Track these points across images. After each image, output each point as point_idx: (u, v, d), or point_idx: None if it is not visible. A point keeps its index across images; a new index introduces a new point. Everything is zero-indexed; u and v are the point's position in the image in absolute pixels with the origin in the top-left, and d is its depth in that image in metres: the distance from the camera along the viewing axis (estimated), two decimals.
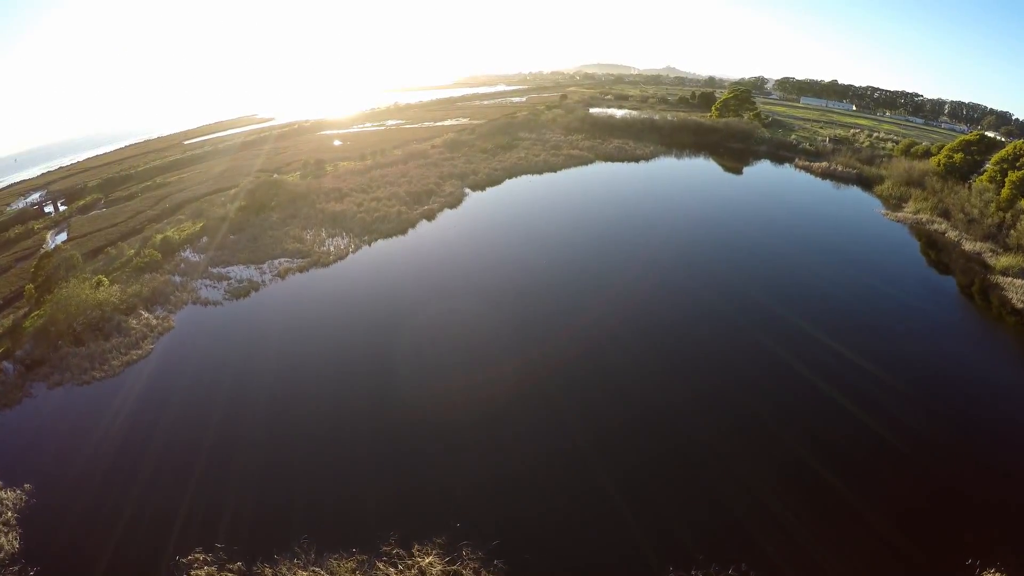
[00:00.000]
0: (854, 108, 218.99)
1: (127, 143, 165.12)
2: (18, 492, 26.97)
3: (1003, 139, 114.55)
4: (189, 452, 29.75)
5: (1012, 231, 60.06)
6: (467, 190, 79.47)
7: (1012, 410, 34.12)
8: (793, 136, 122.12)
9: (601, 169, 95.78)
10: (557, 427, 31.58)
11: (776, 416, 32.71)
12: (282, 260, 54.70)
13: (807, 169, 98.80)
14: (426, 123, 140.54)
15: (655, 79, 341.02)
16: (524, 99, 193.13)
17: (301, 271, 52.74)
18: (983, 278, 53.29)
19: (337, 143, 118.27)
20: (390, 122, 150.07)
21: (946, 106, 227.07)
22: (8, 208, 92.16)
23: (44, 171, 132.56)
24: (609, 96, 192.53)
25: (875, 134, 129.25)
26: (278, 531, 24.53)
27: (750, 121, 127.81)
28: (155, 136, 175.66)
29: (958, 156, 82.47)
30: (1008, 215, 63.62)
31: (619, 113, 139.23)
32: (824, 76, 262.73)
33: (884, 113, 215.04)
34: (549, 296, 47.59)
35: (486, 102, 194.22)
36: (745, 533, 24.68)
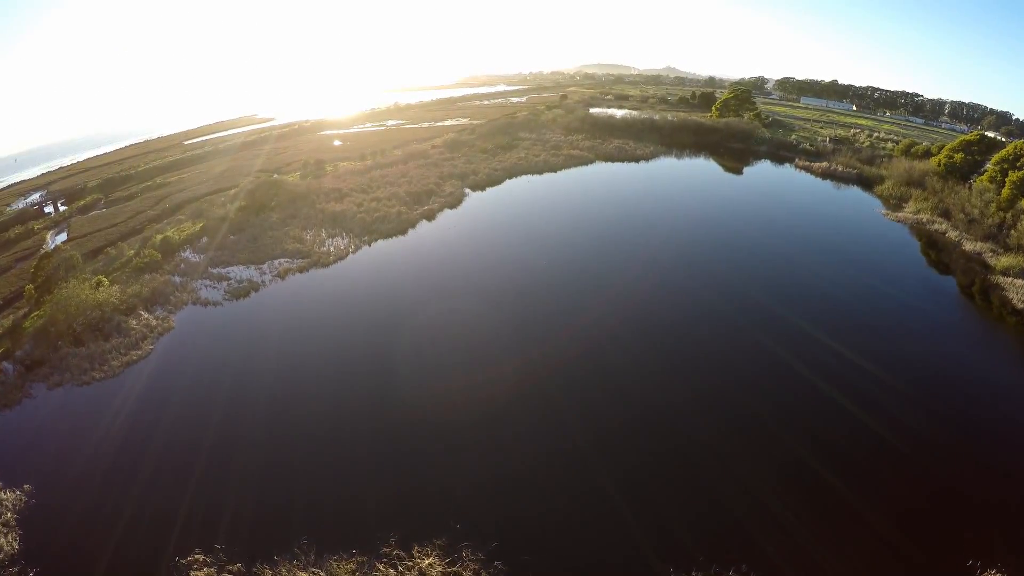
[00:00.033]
0: (854, 108, 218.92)
1: (127, 143, 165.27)
2: (18, 493, 26.96)
3: (1003, 139, 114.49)
4: (189, 452, 29.75)
5: (1012, 231, 60.02)
6: (467, 190, 79.46)
7: (1012, 410, 34.09)
8: (793, 136, 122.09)
9: (601, 169, 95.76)
10: (557, 427, 31.57)
11: (776, 416, 32.69)
12: (282, 260, 54.70)
13: (807, 169, 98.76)
14: (426, 123, 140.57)
15: (655, 79, 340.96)
16: (524, 99, 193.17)
17: (301, 271, 52.74)
18: (983, 278, 53.25)
19: (337, 143, 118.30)
20: (390, 122, 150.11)
21: (946, 106, 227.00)
22: (8, 208, 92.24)
23: (44, 171, 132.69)
24: (609, 96, 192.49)
25: (875, 134, 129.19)
26: (278, 532, 24.52)
27: (750, 121, 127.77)
28: (155, 136, 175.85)
29: (958, 156, 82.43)
30: (1008, 215, 63.58)
31: (619, 113, 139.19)
32: (824, 76, 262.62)
33: (884, 113, 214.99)
34: (549, 296, 47.57)
35: (486, 102, 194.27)
36: (745, 533, 24.67)
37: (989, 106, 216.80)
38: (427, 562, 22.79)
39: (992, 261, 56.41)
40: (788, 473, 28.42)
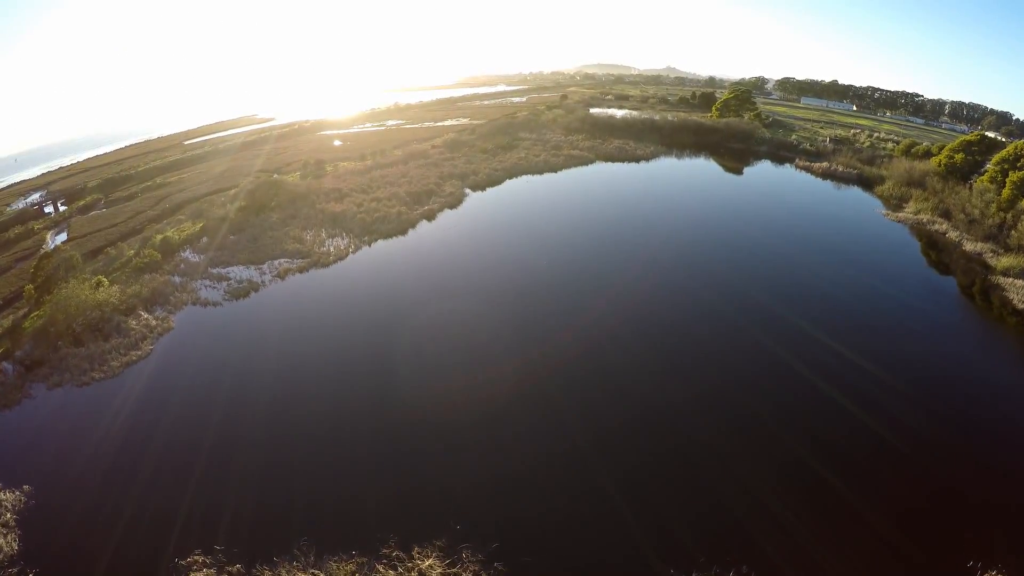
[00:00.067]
0: (854, 108, 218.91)
1: (127, 143, 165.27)
2: (17, 493, 26.94)
3: (1003, 139, 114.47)
4: (188, 453, 29.72)
5: (1013, 232, 59.98)
6: (467, 190, 79.43)
7: (1013, 410, 34.07)
8: (794, 136, 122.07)
9: (601, 169, 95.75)
10: (557, 427, 31.55)
11: (776, 416, 32.67)
12: (282, 260, 54.68)
13: (807, 169, 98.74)
14: (426, 123, 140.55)
15: (655, 79, 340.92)
16: (524, 99, 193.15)
17: (301, 271, 52.72)
18: (984, 279, 53.21)
19: (337, 143, 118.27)
20: (390, 122, 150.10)
21: (946, 106, 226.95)
22: (8, 208, 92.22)
23: (44, 171, 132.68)
24: (609, 96, 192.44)
25: (875, 134, 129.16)
26: (277, 533, 24.50)
27: (750, 121, 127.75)
28: (155, 136, 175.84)
29: (959, 156, 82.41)
30: (1009, 215, 63.54)
31: (619, 113, 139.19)
32: (824, 76, 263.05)
33: (884, 113, 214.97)
34: (549, 296, 47.55)
35: (486, 102, 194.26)
36: (746, 533, 24.65)
37: (989, 106, 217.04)
38: (427, 563, 22.76)
39: (992, 261, 56.36)
40: (788, 473, 28.40)
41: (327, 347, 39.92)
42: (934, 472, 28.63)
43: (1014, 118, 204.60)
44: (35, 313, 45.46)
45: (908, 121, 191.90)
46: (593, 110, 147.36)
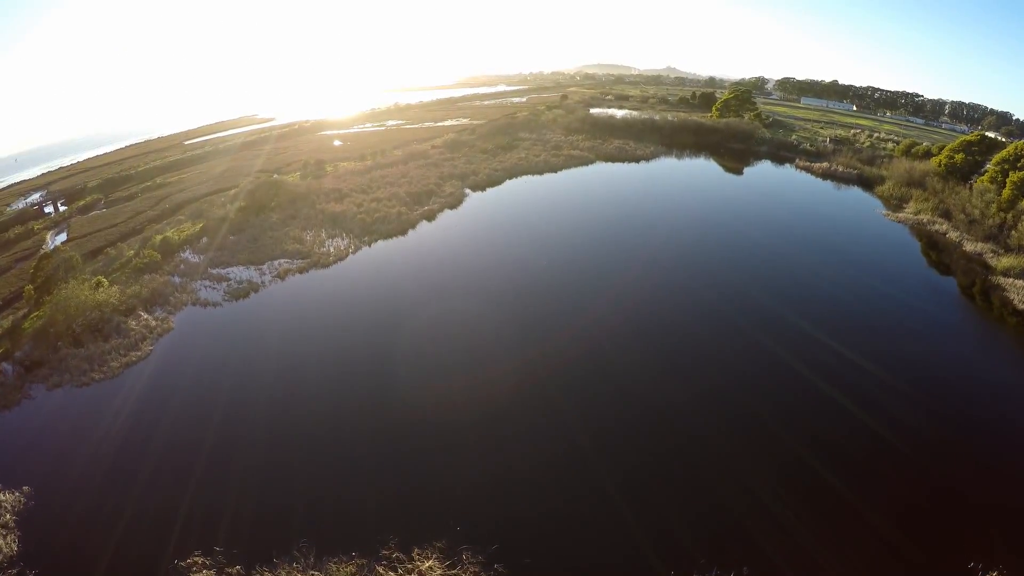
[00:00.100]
0: (855, 108, 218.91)
1: (127, 143, 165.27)
2: (17, 494, 26.90)
3: (1004, 139, 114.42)
4: (188, 454, 29.68)
5: (1013, 232, 59.94)
6: (467, 191, 79.40)
7: (1013, 410, 34.03)
8: (794, 136, 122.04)
9: (601, 169, 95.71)
10: (557, 427, 31.53)
11: (776, 416, 32.64)
12: (282, 261, 54.64)
13: (808, 169, 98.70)
14: (426, 123, 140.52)
15: (655, 79, 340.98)
16: (524, 99, 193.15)
17: (301, 272, 52.67)
18: (984, 279, 53.17)
19: (337, 143, 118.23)
20: (390, 122, 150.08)
21: (947, 106, 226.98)
22: (8, 208, 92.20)
23: (44, 171, 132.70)
24: (610, 96, 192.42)
25: (876, 134, 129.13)
26: (277, 534, 24.46)
27: (751, 121, 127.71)
28: (155, 136, 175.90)
29: (959, 156, 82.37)
30: (1009, 216, 63.50)
31: (619, 113, 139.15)
32: (824, 76, 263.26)
33: (885, 113, 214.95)
34: (549, 296, 47.52)
35: (487, 102, 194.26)
36: (746, 534, 24.62)
37: (989, 106, 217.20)
38: (427, 565, 22.72)
39: (993, 262, 56.31)
40: (788, 473, 28.38)
41: (327, 348, 39.89)
42: (934, 472, 28.61)
43: (1014, 118, 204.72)
44: (35, 314, 45.43)
45: (908, 121, 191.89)
46: (593, 110, 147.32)
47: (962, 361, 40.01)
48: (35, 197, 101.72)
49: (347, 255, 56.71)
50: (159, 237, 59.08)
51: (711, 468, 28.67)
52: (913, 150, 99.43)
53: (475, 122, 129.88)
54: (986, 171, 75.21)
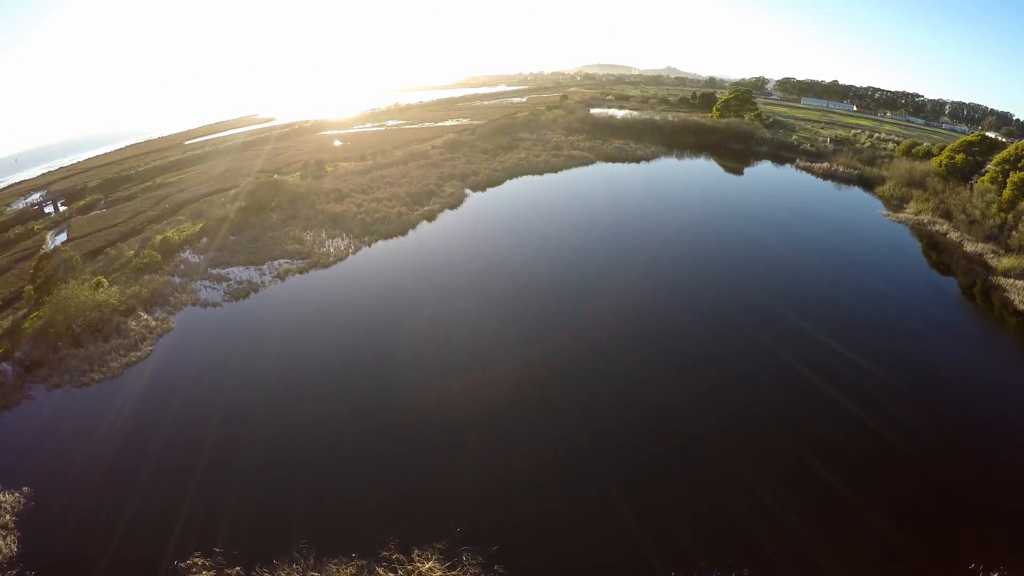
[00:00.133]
0: (855, 108, 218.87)
1: (127, 143, 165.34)
2: (16, 495, 26.87)
3: (1004, 140, 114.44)
4: (188, 455, 29.65)
5: (1014, 232, 59.91)
6: (467, 191, 79.37)
7: (1013, 411, 33.99)
8: (794, 137, 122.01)
9: (602, 170, 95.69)
10: (557, 427, 31.50)
11: (777, 416, 32.61)
12: (282, 261, 54.60)
13: (808, 170, 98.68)
14: (427, 123, 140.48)
15: (656, 79, 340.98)
16: (525, 99, 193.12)
17: (301, 272, 52.64)
18: (985, 279, 53.13)
19: (337, 143, 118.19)
20: (390, 122, 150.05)
21: (947, 106, 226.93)
22: (8, 208, 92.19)
23: (44, 171, 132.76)
24: (610, 96, 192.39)
25: (876, 135, 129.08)
26: (277, 535, 24.42)
27: (751, 122, 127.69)
28: (155, 136, 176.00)
29: (959, 157, 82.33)
30: (1010, 216, 63.45)
31: (620, 113, 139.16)
32: (825, 76, 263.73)
33: (885, 114, 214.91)
34: (550, 296, 47.49)
35: (487, 102, 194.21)
36: (746, 534, 24.59)
37: (990, 106, 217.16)
38: (427, 566, 22.68)
39: (993, 262, 56.28)
40: (789, 473, 28.35)
41: (327, 348, 39.85)
42: (934, 472, 28.59)
43: (1014, 118, 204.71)
44: (35, 314, 45.39)
45: (908, 121, 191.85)
46: (593, 110, 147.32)
47: (962, 361, 39.96)
48: (35, 197, 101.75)
49: (347, 255, 56.67)
50: (159, 237, 59.05)
51: (711, 468, 28.64)
52: (913, 150, 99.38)
53: (475, 122, 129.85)
54: (987, 171, 75.18)
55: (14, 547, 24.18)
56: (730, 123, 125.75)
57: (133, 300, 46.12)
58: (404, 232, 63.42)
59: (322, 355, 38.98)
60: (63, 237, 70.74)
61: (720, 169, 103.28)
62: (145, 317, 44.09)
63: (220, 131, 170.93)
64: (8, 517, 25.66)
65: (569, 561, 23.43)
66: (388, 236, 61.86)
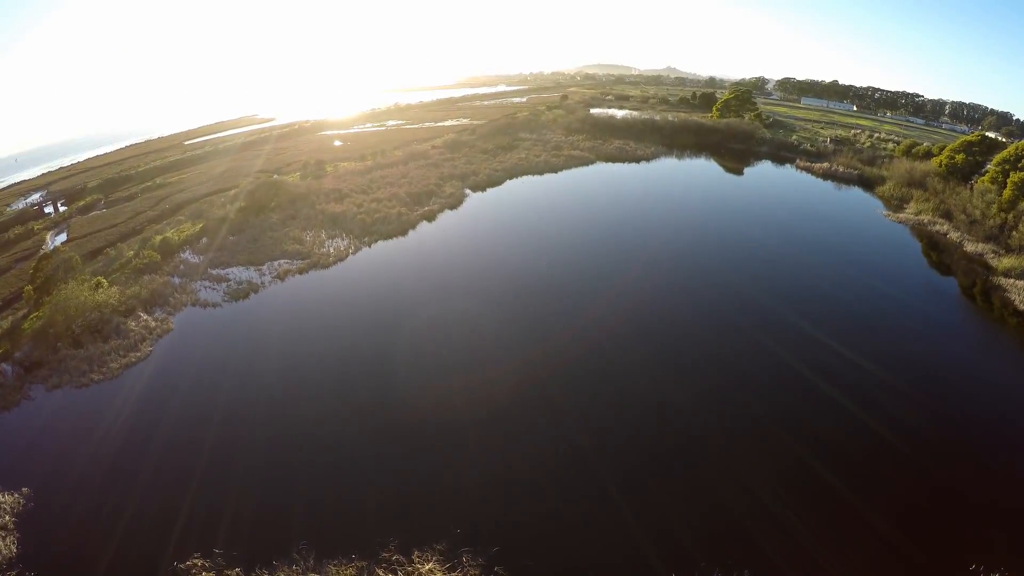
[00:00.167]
0: (855, 109, 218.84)
1: (127, 143, 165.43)
2: (16, 496, 26.85)
3: (1004, 140, 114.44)
4: (188, 456, 29.62)
5: (1014, 232, 59.88)
6: (468, 191, 79.35)
7: (1013, 411, 33.98)
8: (794, 137, 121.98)
9: (602, 170, 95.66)
10: (558, 427, 31.47)
11: (777, 416, 32.59)
12: (282, 261, 54.58)
13: (808, 170, 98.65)
14: (427, 123, 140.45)
15: (656, 79, 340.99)
16: (525, 99, 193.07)
17: (301, 273, 52.61)
18: (985, 279, 53.11)
19: (337, 143, 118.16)
20: (390, 122, 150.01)
21: (947, 107, 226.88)
22: (8, 208, 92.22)
23: (44, 171, 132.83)
24: (610, 96, 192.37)
25: (876, 135, 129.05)
26: (277, 535, 24.40)
27: (751, 122, 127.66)
28: (155, 136, 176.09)
29: (960, 157, 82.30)
30: (1010, 216, 63.42)
31: (620, 114, 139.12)
32: (825, 76, 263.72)
33: (885, 114, 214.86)
34: (550, 297, 47.46)
35: (487, 102, 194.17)
36: (747, 535, 24.57)
37: (990, 106, 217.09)
38: (427, 567, 22.64)
39: (993, 262, 56.26)
40: (789, 473, 28.33)
41: (327, 348, 39.81)
42: (934, 472, 28.58)
43: (1014, 118, 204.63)
44: (34, 314, 45.36)
45: (908, 121, 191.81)
46: (593, 110, 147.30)
47: (962, 361, 39.94)
48: (35, 197, 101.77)
49: (347, 256, 56.65)
50: (159, 237, 59.03)
51: (711, 468, 28.63)
52: (914, 150, 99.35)
53: (475, 122, 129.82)
54: (987, 171, 75.13)
55: (13, 548, 24.15)
56: (730, 123, 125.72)
57: (133, 301, 46.09)
58: (404, 232, 63.40)
59: (322, 355, 38.96)
60: (63, 237, 70.73)
61: (720, 169, 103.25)
62: (145, 318, 44.07)
63: (220, 131, 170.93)
64: (8, 518, 25.63)
65: (569, 561, 23.41)
66: (388, 236, 61.83)
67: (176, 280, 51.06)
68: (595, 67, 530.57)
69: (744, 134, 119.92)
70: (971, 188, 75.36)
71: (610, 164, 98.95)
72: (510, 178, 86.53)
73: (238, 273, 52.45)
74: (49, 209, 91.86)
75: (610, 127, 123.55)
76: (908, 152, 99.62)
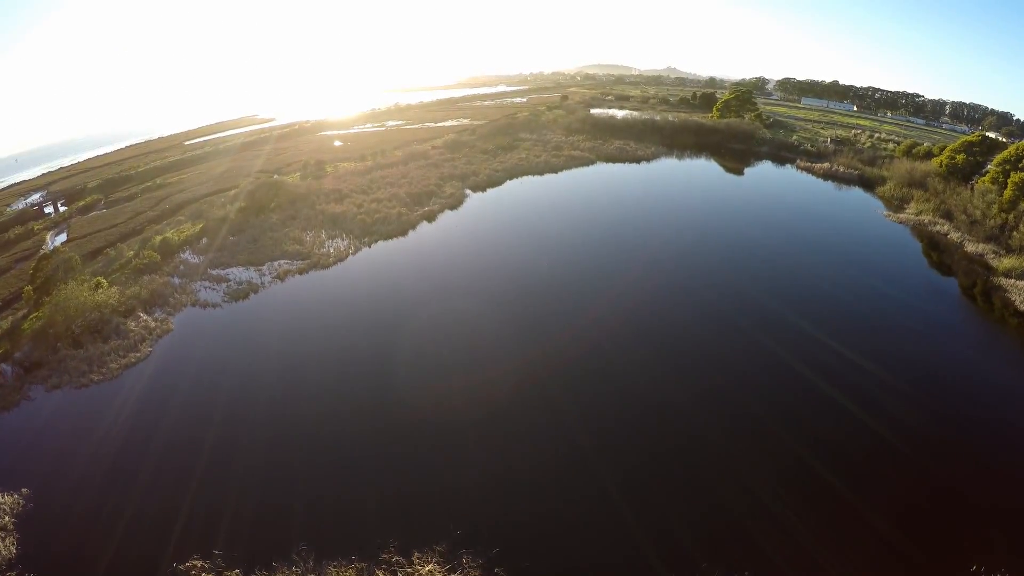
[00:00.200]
0: (855, 109, 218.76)
1: (127, 143, 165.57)
2: (15, 496, 26.82)
3: (1005, 140, 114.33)
4: (187, 456, 29.58)
5: (1015, 232, 59.84)
6: (468, 191, 79.33)
7: (1013, 411, 33.93)
8: (794, 137, 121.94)
9: (602, 170, 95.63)
10: (558, 428, 31.45)
11: (777, 416, 32.56)
12: (282, 262, 54.56)
13: (808, 170, 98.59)
14: (427, 124, 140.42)
15: (656, 80, 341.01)
16: (525, 100, 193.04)
17: (301, 273, 52.60)
18: (985, 280, 53.07)
19: (338, 144, 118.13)
20: (391, 123, 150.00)
21: (947, 107, 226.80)
22: (8, 208, 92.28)
23: (44, 171, 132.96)
24: (610, 97, 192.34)
25: (876, 135, 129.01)
26: (276, 536, 24.37)
27: (751, 122, 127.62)
28: (155, 136, 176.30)
29: (960, 157, 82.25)
30: (1011, 216, 63.38)
31: (620, 114, 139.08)
32: (825, 77, 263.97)
33: (885, 114, 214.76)
34: (550, 297, 47.44)
35: (487, 103, 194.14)
36: (747, 535, 24.54)
37: (990, 107, 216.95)
38: (427, 568, 22.60)
39: (994, 263, 56.23)
40: (789, 473, 28.30)
41: (327, 349, 39.80)
42: (934, 472, 28.54)
43: (1015, 118, 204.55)
44: (34, 314, 45.35)
45: (909, 121, 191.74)
46: (594, 111, 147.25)
47: (963, 362, 39.91)
48: (35, 197, 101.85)
49: (347, 256, 56.63)
50: (159, 238, 59.02)
51: (711, 468, 28.60)
52: (914, 150, 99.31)
53: (475, 122, 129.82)
54: (987, 172, 75.07)
55: (13, 549, 24.13)
56: (730, 123, 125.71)
57: (133, 301, 46.07)
58: (404, 233, 63.38)
59: (322, 355, 38.95)
60: (63, 238, 70.75)
61: (720, 169, 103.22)
62: (145, 318, 44.06)
63: (220, 131, 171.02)
64: (7, 519, 25.61)
65: (569, 562, 23.39)
66: (388, 237, 61.81)
67: (176, 280, 51.04)
68: (595, 67, 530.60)
69: (744, 134, 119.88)
70: (972, 188, 75.31)
71: (610, 164, 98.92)
72: (510, 178, 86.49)
73: (238, 273, 52.44)
74: (49, 209, 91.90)
75: (610, 127, 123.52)
76: (908, 152, 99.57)
